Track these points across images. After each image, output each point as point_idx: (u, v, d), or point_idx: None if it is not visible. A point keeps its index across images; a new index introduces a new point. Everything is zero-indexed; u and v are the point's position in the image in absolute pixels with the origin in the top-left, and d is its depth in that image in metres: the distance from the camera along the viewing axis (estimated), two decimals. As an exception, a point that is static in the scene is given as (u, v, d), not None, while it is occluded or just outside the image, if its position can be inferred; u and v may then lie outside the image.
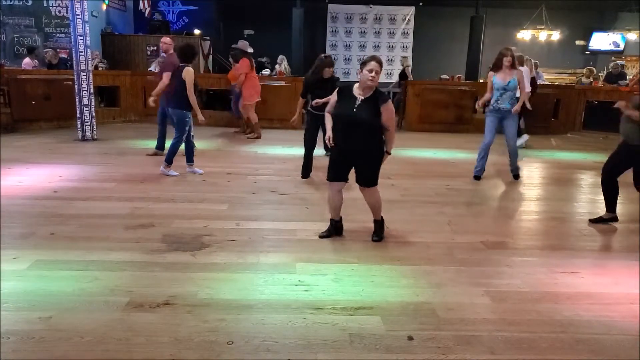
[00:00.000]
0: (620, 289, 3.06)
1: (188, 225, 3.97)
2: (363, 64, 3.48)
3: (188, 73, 5.50)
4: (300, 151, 7.56)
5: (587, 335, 2.51)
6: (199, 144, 7.14)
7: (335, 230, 3.84)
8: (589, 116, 10.29)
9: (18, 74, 8.74)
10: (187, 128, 5.62)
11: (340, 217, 3.86)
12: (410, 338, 2.42)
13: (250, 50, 8.73)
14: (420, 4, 15.22)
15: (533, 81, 8.74)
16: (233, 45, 9.18)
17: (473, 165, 6.09)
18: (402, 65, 13.51)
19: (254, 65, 9.03)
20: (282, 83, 10.35)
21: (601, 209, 4.92)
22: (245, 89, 8.58)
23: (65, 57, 10.63)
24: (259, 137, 8.75)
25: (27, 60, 9.90)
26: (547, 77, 12.34)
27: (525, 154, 7.98)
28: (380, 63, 3.46)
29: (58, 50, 10.81)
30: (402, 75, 12.81)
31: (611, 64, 12.39)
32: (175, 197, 4.78)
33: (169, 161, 5.64)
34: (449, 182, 5.82)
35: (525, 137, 8.93)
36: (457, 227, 4.19)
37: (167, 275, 3.05)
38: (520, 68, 8.61)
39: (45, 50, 10.44)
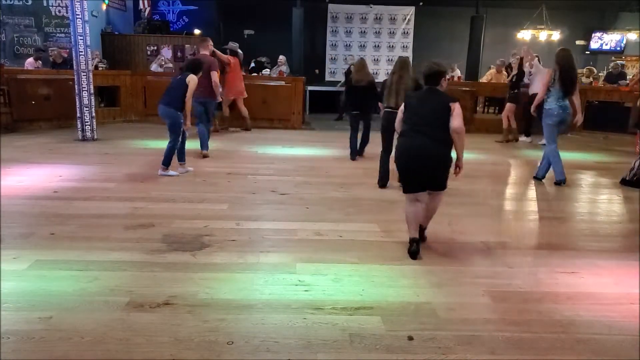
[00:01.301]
0: (620, 289, 3.06)
1: (188, 225, 3.97)
2: (445, 71, 3.62)
3: (192, 80, 5.53)
4: (299, 151, 7.59)
5: (587, 335, 2.51)
6: (196, 144, 7.14)
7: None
8: (589, 116, 10.28)
9: (18, 74, 8.74)
10: (181, 130, 5.62)
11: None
12: (411, 338, 2.42)
13: (240, 52, 9.38)
14: (420, 4, 15.22)
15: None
16: (224, 47, 9.40)
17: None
18: (348, 64, 12.44)
19: (241, 66, 9.60)
20: (282, 83, 10.35)
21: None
22: (227, 85, 8.85)
23: (66, 56, 10.62)
24: (248, 129, 9.42)
25: (30, 60, 9.89)
26: (547, 77, 12.32)
27: (526, 154, 7.99)
28: None
29: (52, 50, 10.78)
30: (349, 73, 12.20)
31: (611, 64, 12.39)
32: (175, 197, 4.78)
33: (166, 164, 5.64)
34: (449, 182, 5.80)
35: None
36: (457, 227, 4.19)
37: (167, 275, 3.05)
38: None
39: (51, 49, 10.42)
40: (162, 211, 4.34)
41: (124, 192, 4.94)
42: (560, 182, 5.74)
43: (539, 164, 6.09)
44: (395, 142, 3.98)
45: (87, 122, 7.83)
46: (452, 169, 3.58)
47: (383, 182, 5.44)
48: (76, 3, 7.43)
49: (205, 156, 6.72)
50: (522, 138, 9.21)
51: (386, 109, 5.40)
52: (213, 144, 7.99)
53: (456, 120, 3.42)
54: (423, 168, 3.46)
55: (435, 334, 2.46)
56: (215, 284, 2.96)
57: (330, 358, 2.26)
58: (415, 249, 3.47)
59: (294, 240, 3.75)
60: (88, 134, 7.86)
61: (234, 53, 9.10)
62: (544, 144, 7.28)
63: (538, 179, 5.98)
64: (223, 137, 8.80)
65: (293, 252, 3.49)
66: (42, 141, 7.69)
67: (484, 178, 6.05)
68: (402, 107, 3.65)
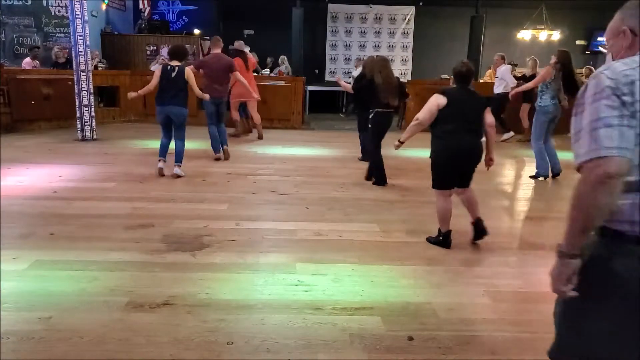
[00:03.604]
0: (621, 289, 3.06)
1: (188, 225, 3.97)
2: None
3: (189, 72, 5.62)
4: (299, 151, 7.59)
5: (587, 336, 2.51)
6: (199, 144, 7.14)
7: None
8: (589, 116, 10.31)
9: (18, 74, 8.74)
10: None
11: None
12: (411, 338, 2.42)
13: (247, 49, 8.77)
14: (420, 3, 15.21)
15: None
16: (230, 47, 9.18)
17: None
18: (281, 64, 12.40)
19: (250, 64, 8.92)
20: (282, 83, 10.35)
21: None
22: (235, 87, 8.34)
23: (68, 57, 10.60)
24: (237, 136, 8.81)
25: (27, 60, 9.88)
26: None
27: (526, 154, 7.98)
28: None
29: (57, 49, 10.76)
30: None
31: (611, 64, 12.38)
32: (175, 197, 4.78)
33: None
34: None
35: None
36: (457, 227, 4.18)
37: (167, 276, 3.05)
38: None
39: (57, 47, 10.39)
40: (162, 211, 4.34)
41: (124, 192, 4.94)
42: (538, 177, 6.09)
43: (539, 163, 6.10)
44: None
45: (87, 122, 7.83)
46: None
47: (385, 181, 5.52)
48: (76, 3, 7.43)
49: (218, 159, 6.65)
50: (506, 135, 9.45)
51: (378, 110, 5.41)
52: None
53: (491, 115, 3.67)
54: (471, 165, 3.68)
55: (435, 334, 2.46)
56: (215, 284, 2.95)
57: (330, 358, 2.25)
58: (451, 241, 3.71)
59: (294, 240, 3.75)
60: (88, 134, 7.86)
61: (238, 52, 8.56)
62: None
63: (555, 175, 6.12)
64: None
65: (293, 252, 3.49)
66: (42, 141, 7.69)
67: (485, 178, 6.04)
68: (434, 104, 3.57)
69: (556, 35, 14.32)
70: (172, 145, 5.67)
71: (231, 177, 5.74)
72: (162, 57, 11.26)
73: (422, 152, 7.92)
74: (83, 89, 7.73)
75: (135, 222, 4.02)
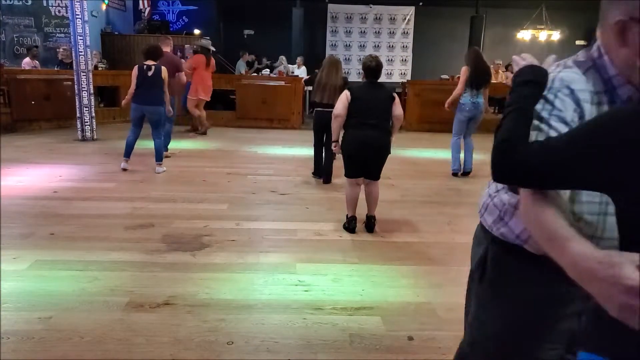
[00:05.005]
0: (621, 289, 3.06)
1: (188, 225, 3.97)
2: None
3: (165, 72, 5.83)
4: (299, 151, 7.59)
5: (587, 336, 2.51)
6: (196, 144, 7.14)
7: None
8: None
9: (18, 74, 8.74)
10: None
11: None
12: (411, 338, 2.42)
13: (212, 49, 8.85)
14: (420, 4, 15.22)
15: None
16: (196, 43, 9.22)
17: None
18: (280, 64, 12.53)
19: (211, 64, 8.67)
20: (282, 83, 10.35)
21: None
22: (192, 84, 8.28)
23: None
24: (204, 133, 8.73)
25: (27, 60, 9.87)
26: (547, 77, 12.35)
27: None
28: None
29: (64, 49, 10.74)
30: None
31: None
32: (175, 197, 4.78)
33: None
34: (449, 182, 5.83)
35: None
36: (457, 227, 4.19)
37: (167, 275, 3.05)
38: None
39: (63, 47, 10.37)
40: (162, 211, 4.34)
41: (124, 192, 4.94)
42: (456, 174, 6.12)
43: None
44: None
45: (87, 122, 7.83)
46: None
47: (319, 175, 5.72)
48: (76, 3, 7.44)
49: (166, 156, 6.72)
50: None
51: (317, 108, 5.55)
52: (212, 144, 8.01)
53: (399, 108, 3.82)
54: (372, 158, 3.83)
55: (435, 334, 2.46)
56: (215, 284, 2.96)
57: (330, 358, 2.25)
58: (355, 225, 3.93)
59: (294, 240, 3.75)
60: (88, 134, 7.86)
61: (204, 50, 8.60)
62: None
63: (466, 173, 6.13)
64: (223, 137, 8.79)
65: (293, 252, 3.49)
66: (42, 141, 7.69)
67: (484, 178, 6.04)
68: (344, 98, 3.80)
69: (556, 35, 14.32)
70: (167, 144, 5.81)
71: (231, 177, 5.74)
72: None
73: (421, 153, 7.95)
74: (83, 89, 7.73)
75: (135, 222, 4.02)
